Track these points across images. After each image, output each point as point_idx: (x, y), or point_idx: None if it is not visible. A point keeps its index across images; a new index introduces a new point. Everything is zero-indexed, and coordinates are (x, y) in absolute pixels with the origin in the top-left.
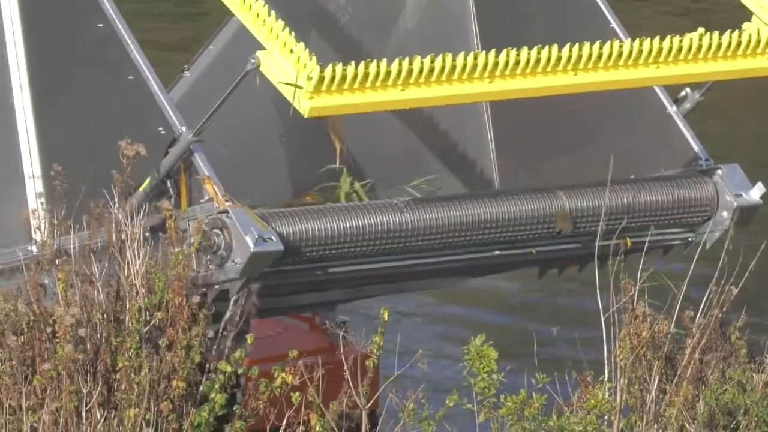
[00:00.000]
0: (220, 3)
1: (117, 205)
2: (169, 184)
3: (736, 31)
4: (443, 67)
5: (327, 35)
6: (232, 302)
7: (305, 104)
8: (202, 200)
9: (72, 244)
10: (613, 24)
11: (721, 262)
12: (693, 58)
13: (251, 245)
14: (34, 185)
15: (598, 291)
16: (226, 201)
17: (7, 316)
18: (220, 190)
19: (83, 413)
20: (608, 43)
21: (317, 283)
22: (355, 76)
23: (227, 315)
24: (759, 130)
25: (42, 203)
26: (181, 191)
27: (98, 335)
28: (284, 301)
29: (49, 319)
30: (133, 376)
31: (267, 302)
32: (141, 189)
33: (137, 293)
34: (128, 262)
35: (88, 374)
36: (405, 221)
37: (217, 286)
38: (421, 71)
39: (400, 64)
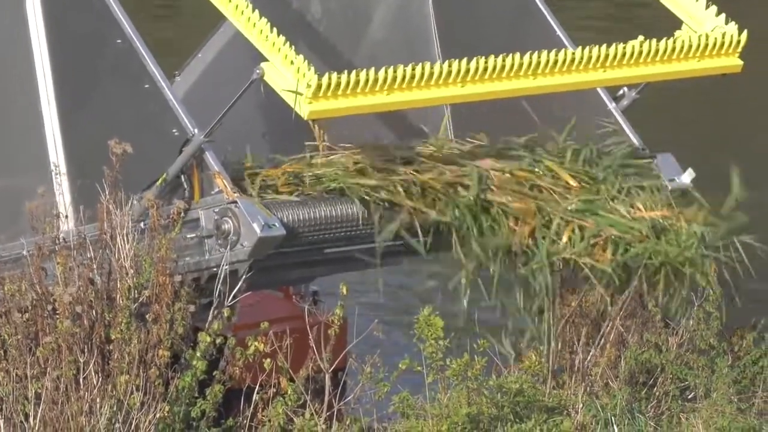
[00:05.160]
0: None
1: (108, 197)
2: (183, 179)
3: (671, 39)
4: (422, 74)
5: (306, 43)
6: (238, 281)
7: (305, 108)
8: (212, 192)
9: (70, 233)
10: (559, 32)
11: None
12: (635, 63)
13: (258, 231)
14: (60, 182)
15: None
16: (234, 193)
17: (13, 296)
18: (229, 183)
19: (81, 380)
20: (563, 51)
21: (307, 262)
22: (348, 83)
23: (228, 293)
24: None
25: (42, 195)
26: (194, 185)
27: (93, 312)
28: (275, 277)
29: (50, 298)
30: (124, 346)
31: (260, 279)
32: (157, 183)
33: (127, 274)
34: (118, 247)
35: (85, 346)
36: (348, 211)
37: (226, 267)
38: (403, 78)
39: (386, 72)
